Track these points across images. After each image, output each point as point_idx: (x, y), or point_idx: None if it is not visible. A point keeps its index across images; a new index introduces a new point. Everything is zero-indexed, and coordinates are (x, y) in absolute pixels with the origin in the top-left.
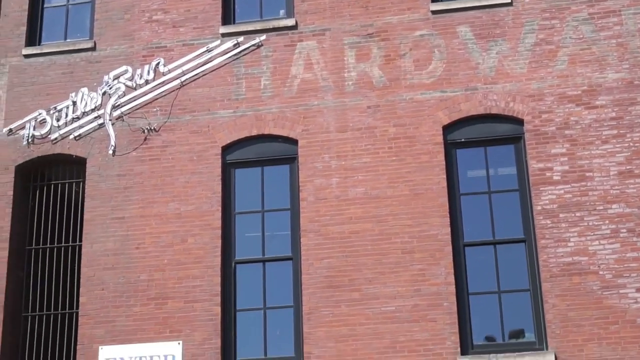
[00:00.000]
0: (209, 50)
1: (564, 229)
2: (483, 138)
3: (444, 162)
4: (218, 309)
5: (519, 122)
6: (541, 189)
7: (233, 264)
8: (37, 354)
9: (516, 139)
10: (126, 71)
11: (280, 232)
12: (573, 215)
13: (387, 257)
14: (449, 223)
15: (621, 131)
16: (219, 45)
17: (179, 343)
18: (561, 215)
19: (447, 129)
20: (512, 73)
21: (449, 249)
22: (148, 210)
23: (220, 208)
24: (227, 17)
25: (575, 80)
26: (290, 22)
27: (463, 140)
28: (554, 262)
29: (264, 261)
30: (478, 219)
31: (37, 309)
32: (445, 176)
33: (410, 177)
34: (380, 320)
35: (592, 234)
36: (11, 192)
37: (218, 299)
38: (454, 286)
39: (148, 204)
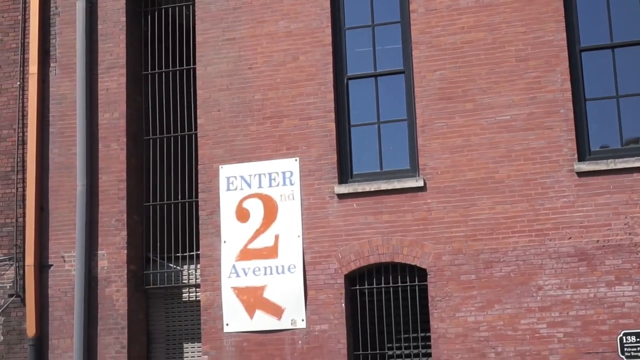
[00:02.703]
0: None
1: None
2: None
3: None
4: (332, 125)
5: None
6: None
7: (345, 80)
8: (160, 175)
9: None
10: None
11: (391, 46)
12: None
13: (501, 66)
14: (564, 28)
15: None
16: None
17: (295, 159)
18: None
19: None
20: None
21: (564, 54)
22: (258, 29)
23: (329, 24)
24: None
25: None
26: None
27: None
28: None
29: (375, 76)
30: (595, 23)
31: (158, 132)
32: None
33: None
34: (495, 129)
35: None
36: (124, 18)
37: (332, 115)
38: (570, 92)
39: (258, 24)
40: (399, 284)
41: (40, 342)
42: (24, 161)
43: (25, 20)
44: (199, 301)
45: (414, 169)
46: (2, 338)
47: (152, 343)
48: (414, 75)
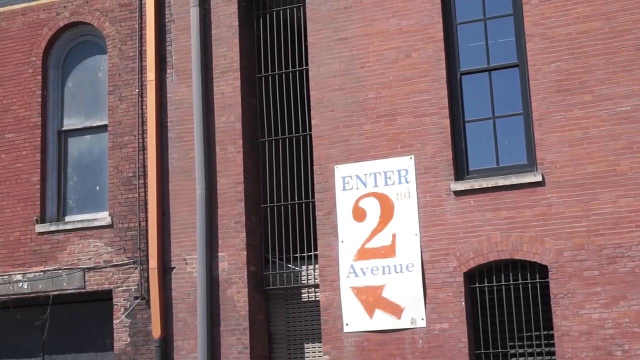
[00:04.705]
0: None
1: None
2: None
3: None
4: (447, 122)
5: None
6: None
7: (459, 75)
8: (276, 176)
9: None
10: None
11: (505, 39)
12: None
13: (619, 56)
14: None
15: None
16: None
17: (411, 157)
18: None
19: None
20: None
21: None
22: (370, 28)
23: (441, 20)
24: None
25: None
26: None
27: None
28: None
29: (489, 70)
30: None
31: (273, 134)
32: None
33: None
34: (615, 121)
35: None
36: (236, 23)
37: (446, 112)
38: None
39: (369, 22)
40: (520, 282)
41: (166, 344)
42: (144, 166)
43: (141, 28)
44: (318, 301)
45: (531, 164)
46: (129, 340)
47: (273, 343)
48: (528, 68)
